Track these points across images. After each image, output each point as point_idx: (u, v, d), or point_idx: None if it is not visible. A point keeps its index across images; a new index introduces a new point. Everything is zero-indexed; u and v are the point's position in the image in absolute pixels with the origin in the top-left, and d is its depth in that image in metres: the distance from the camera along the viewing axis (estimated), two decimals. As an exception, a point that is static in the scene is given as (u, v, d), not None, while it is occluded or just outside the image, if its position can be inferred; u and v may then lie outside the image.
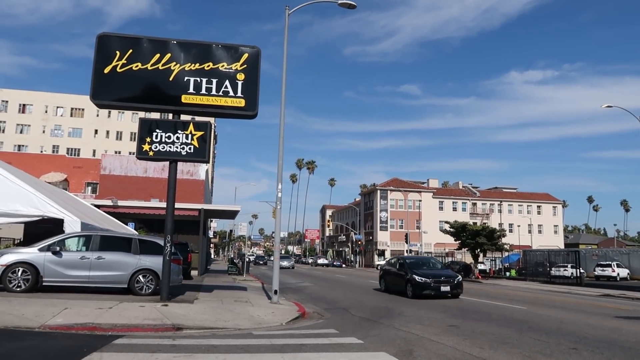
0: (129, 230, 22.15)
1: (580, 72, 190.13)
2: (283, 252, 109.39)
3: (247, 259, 36.95)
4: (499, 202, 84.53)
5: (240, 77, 13.08)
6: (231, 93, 12.94)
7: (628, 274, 44.17)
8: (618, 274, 42.66)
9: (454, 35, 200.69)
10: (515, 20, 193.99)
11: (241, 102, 12.97)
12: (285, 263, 51.30)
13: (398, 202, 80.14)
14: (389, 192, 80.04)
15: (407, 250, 64.40)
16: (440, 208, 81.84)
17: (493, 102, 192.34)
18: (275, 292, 13.94)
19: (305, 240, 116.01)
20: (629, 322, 12.68)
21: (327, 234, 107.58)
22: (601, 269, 43.57)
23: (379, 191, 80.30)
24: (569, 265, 37.68)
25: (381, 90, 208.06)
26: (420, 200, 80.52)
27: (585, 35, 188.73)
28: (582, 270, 36.81)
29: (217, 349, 7.01)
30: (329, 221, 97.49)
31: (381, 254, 77.92)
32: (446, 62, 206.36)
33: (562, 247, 75.36)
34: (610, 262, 44.53)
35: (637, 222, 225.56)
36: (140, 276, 13.03)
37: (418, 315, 12.35)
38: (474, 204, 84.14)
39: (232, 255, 73.49)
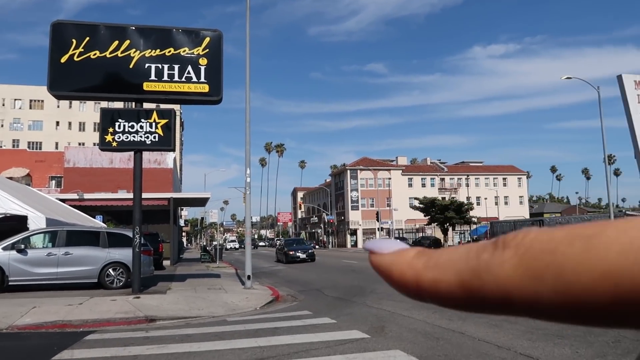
0: (97, 223, 21.73)
1: (542, 44, 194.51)
2: (256, 236, 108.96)
3: (224, 246, 36.32)
4: (466, 177, 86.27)
5: (203, 62, 12.85)
6: (194, 79, 12.72)
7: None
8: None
9: (418, 11, 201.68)
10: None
11: (205, 88, 12.78)
12: (300, 254, 29.21)
13: (368, 181, 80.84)
14: (358, 171, 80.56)
15: (378, 228, 65.29)
16: (410, 185, 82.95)
17: (458, 78, 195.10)
18: (249, 277, 13.99)
19: (278, 223, 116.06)
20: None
21: (299, 216, 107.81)
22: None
23: (348, 171, 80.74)
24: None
25: (348, 70, 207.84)
26: (389, 178, 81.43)
27: (545, 8, 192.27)
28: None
29: (191, 337, 7.04)
30: (300, 203, 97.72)
31: (353, 233, 78.79)
32: (411, 39, 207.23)
33: (528, 216, 77.74)
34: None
35: (598, 190, 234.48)
36: (110, 269, 12.86)
37: (390, 292, 12.64)
38: (442, 179, 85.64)
39: (204, 243, 72.97)
